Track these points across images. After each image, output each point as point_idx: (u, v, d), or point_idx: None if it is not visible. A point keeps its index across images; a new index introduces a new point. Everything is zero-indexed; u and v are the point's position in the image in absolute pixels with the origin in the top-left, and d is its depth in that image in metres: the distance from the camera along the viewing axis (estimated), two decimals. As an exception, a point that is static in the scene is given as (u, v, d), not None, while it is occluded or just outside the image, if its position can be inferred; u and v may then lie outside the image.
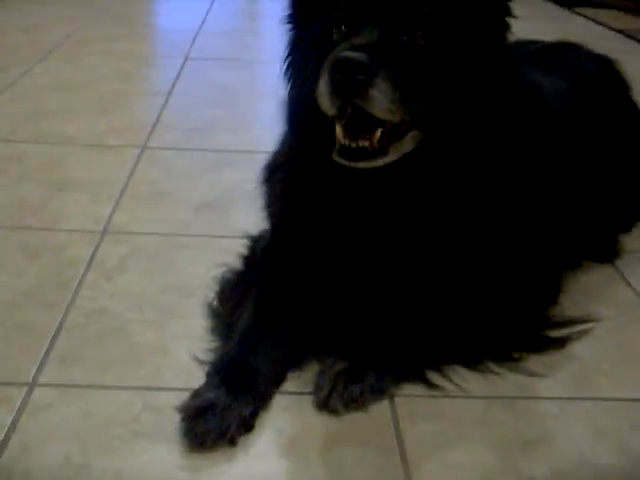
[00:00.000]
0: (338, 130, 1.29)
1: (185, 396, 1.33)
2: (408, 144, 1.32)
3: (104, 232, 1.92)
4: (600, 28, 4.93)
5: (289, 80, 1.47)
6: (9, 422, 1.29)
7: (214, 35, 4.13)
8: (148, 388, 1.39)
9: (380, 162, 1.30)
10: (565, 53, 2.06)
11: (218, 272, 1.69)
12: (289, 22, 1.47)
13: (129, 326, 1.56)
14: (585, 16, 5.27)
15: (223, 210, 2.08)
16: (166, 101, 2.93)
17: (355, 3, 1.32)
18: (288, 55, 1.47)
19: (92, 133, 2.57)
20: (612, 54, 2.16)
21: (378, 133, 1.27)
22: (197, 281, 1.71)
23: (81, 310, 1.60)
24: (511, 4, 1.37)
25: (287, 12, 1.48)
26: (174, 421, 1.29)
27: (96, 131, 2.59)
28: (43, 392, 1.37)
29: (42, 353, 1.47)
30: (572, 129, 1.75)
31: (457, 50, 1.31)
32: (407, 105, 1.26)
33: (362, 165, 1.29)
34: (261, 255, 1.64)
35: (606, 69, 2.05)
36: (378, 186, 1.37)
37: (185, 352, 1.48)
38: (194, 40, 3.92)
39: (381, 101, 1.21)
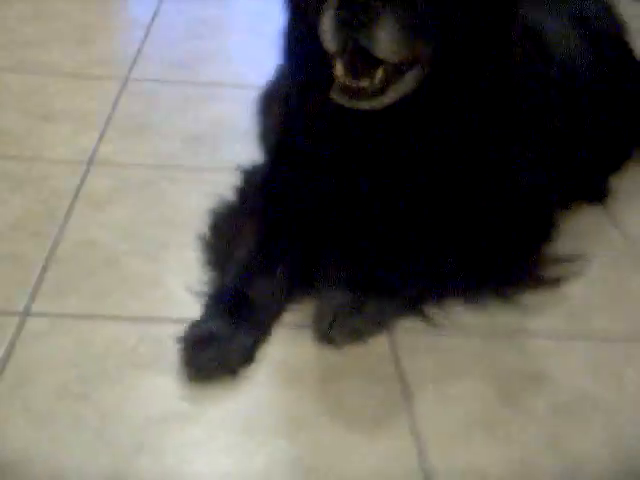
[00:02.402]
0: (339, 67, 1.26)
1: (182, 328, 1.31)
2: (409, 83, 1.29)
3: (90, 162, 1.87)
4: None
5: (289, 9, 1.42)
6: (2, 352, 1.26)
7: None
8: (144, 319, 1.38)
9: (380, 102, 1.27)
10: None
11: (210, 205, 1.65)
12: None
13: (121, 257, 1.53)
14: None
15: (212, 143, 2.03)
16: (146, 34, 2.83)
17: None
18: None
19: (72, 63, 2.47)
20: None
21: (380, 72, 1.24)
22: (189, 213, 1.68)
23: (71, 241, 1.57)
24: None
25: None
26: (172, 352, 1.27)
27: (76, 61, 2.49)
28: (36, 322, 1.34)
29: (33, 283, 1.43)
30: (569, 73, 1.73)
31: None
32: (411, 45, 1.23)
33: (362, 104, 1.27)
34: (258, 187, 1.60)
35: (603, 12, 2.03)
36: (377, 122, 1.34)
37: (180, 284, 1.46)
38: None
39: (385, 42, 1.18)
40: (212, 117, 2.20)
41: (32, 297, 1.40)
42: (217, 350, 1.24)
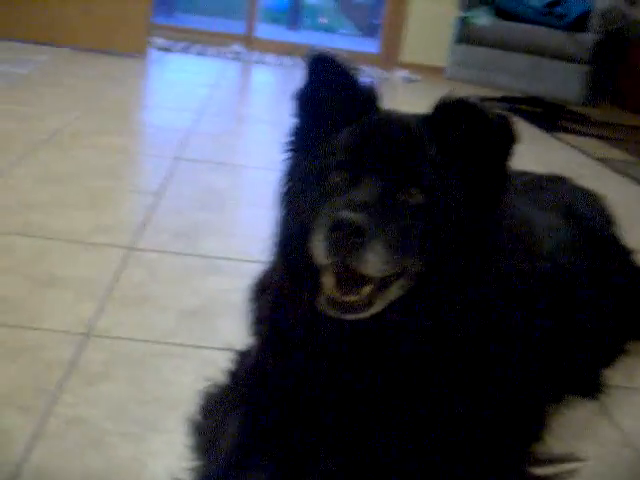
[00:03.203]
0: (327, 280, 1.30)
1: (162, 519, 1.29)
2: (395, 293, 1.33)
3: (87, 334, 1.89)
4: (580, 155, 5.09)
5: (284, 207, 1.48)
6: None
7: (203, 136, 4.18)
8: (125, 508, 1.35)
9: (367, 314, 1.30)
10: (555, 188, 2.12)
11: (202, 385, 1.66)
12: (289, 149, 1.49)
13: (107, 438, 1.52)
14: (565, 142, 5.45)
15: (208, 319, 2.06)
16: (155, 202, 2.93)
17: (358, 150, 1.35)
18: (285, 181, 1.48)
19: (79, 229, 2.55)
20: (596, 184, 2.23)
21: (368, 289, 1.28)
22: (180, 393, 1.68)
23: (59, 418, 1.56)
24: (508, 176, 1.38)
25: (288, 139, 1.50)
26: None
27: (83, 227, 2.58)
28: (14, 507, 1.31)
29: (16, 464, 1.41)
30: (559, 269, 1.78)
31: (454, 209, 1.32)
32: (400, 262, 1.27)
33: (349, 317, 1.30)
34: (247, 373, 1.61)
35: (593, 207, 2.11)
36: (363, 327, 1.36)
37: (164, 470, 1.44)
38: (184, 140, 3.96)
39: (375, 263, 1.23)
40: (210, 291, 2.24)
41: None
42: None
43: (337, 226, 1.21)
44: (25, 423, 1.53)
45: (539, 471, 1.56)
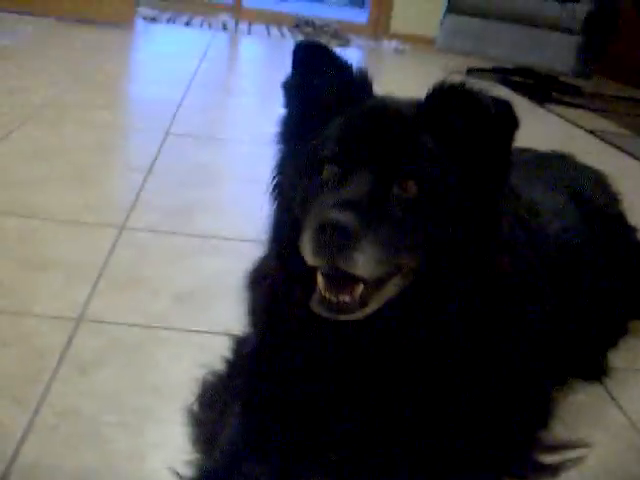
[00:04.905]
0: (319, 281, 1.25)
1: (162, 514, 1.25)
2: (389, 292, 1.28)
3: (79, 319, 1.83)
4: (572, 127, 5.05)
5: (275, 199, 1.43)
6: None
7: (193, 109, 4.11)
8: (124, 504, 1.30)
9: (360, 314, 1.26)
10: (558, 166, 2.07)
11: (199, 372, 1.61)
12: (279, 140, 1.44)
13: (104, 430, 1.47)
14: (557, 114, 5.40)
15: (203, 301, 2.01)
16: (145, 179, 2.86)
17: (348, 143, 1.29)
18: (276, 174, 1.43)
19: (69, 208, 2.49)
20: (588, 157, 2.19)
21: (360, 289, 1.23)
22: (177, 380, 1.63)
23: (52, 409, 1.51)
24: (512, 161, 1.33)
25: (278, 130, 1.44)
26: None
27: (72, 206, 2.51)
28: (8, 504, 1.27)
29: (8, 459, 1.36)
30: (564, 250, 1.74)
31: (450, 201, 1.26)
32: (391, 261, 1.22)
33: (342, 318, 1.25)
34: (245, 363, 1.56)
35: (598, 185, 2.07)
36: (359, 326, 1.31)
37: (163, 462, 1.39)
38: (173, 114, 3.89)
39: (365, 264, 1.17)
40: (205, 271, 2.19)
41: (6, 476, 1.32)
42: None
43: (323, 227, 1.16)
44: (18, 415, 1.47)
45: (546, 458, 1.53)
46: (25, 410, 1.49)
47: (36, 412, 1.49)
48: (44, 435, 1.44)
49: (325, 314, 1.25)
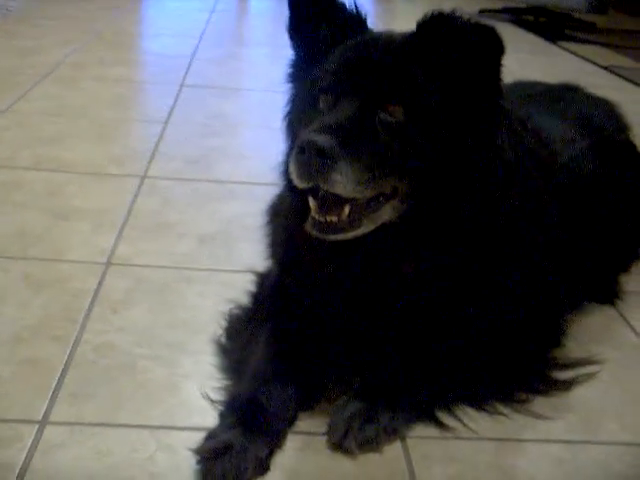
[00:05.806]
0: (311, 203, 1.32)
1: (198, 435, 1.33)
2: (386, 215, 1.34)
3: (108, 264, 1.92)
4: (586, 64, 5.02)
5: (287, 136, 1.51)
6: (21, 462, 1.27)
7: (206, 61, 4.14)
8: (161, 427, 1.39)
9: (352, 234, 1.33)
10: (568, 97, 2.10)
11: (225, 307, 1.69)
12: (289, 80, 1.52)
13: (138, 362, 1.56)
14: (570, 51, 5.36)
15: (226, 243, 2.09)
16: (163, 129, 2.93)
17: (339, 73, 1.36)
18: (287, 112, 1.51)
19: (91, 161, 2.56)
20: (603, 91, 2.21)
21: (346, 209, 1.30)
22: (205, 316, 1.71)
23: (89, 345, 1.60)
24: (501, 85, 1.37)
25: (287, 71, 1.53)
26: (189, 462, 1.29)
27: (95, 159, 2.58)
28: (54, 430, 1.35)
29: (51, 390, 1.45)
30: (574, 177, 1.79)
31: (439, 127, 1.31)
32: (379, 182, 1.28)
33: (332, 238, 1.33)
34: (269, 294, 1.65)
35: (607, 114, 2.09)
36: (361, 251, 1.39)
37: (196, 390, 1.48)
38: (187, 67, 3.93)
39: (344, 184, 1.24)
40: (226, 215, 2.26)
41: (50, 405, 1.41)
42: (233, 461, 1.25)
43: (302, 149, 1.23)
44: (58, 351, 1.56)
45: (560, 375, 1.60)
46: (64, 347, 1.58)
47: (74, 348, 1.58)
48: (83, 368, 1.53)
49: (315, 234, 1.33)
